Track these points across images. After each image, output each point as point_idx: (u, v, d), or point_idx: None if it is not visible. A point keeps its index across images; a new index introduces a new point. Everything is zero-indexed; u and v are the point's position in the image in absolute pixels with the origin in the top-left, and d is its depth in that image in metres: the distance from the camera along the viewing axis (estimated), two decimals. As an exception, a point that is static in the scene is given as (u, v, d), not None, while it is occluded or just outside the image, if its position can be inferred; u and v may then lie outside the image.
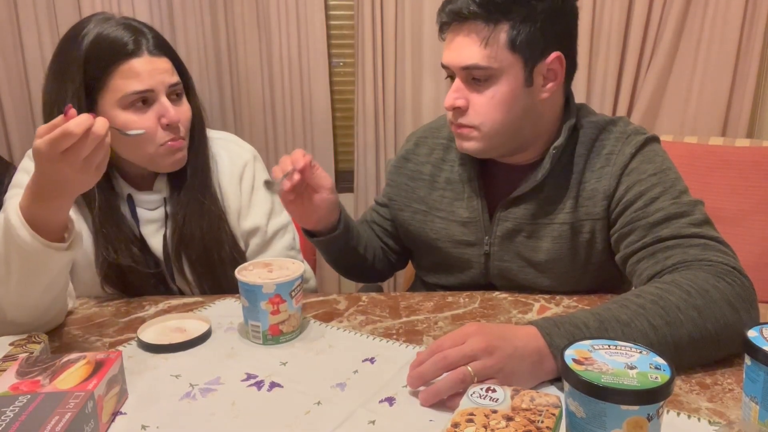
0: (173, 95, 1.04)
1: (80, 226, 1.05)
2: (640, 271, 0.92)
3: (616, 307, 0.80)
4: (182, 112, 1.05)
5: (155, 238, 1.11)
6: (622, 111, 2.46)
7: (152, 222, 1.11)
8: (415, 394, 0.75)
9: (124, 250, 1.06)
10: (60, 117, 0.74)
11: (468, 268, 1.13)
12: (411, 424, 0.70)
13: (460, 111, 0.99)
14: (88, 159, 0.76)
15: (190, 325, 0.94)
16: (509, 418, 0.59)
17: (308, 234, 1.12)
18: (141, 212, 1.10)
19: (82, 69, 0.98)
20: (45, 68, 2.55)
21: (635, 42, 2.38)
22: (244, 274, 0.90)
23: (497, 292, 1.09)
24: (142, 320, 0.97)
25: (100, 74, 0.98)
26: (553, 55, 0.96)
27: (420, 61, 2.51)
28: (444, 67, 1.00)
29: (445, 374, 0.73)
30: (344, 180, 2.72)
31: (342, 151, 2.74)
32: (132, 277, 1.09)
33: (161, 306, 1.05)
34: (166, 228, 1.12)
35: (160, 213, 1.12)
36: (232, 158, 1.18)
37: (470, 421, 0.59)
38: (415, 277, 1.31)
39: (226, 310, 1.03)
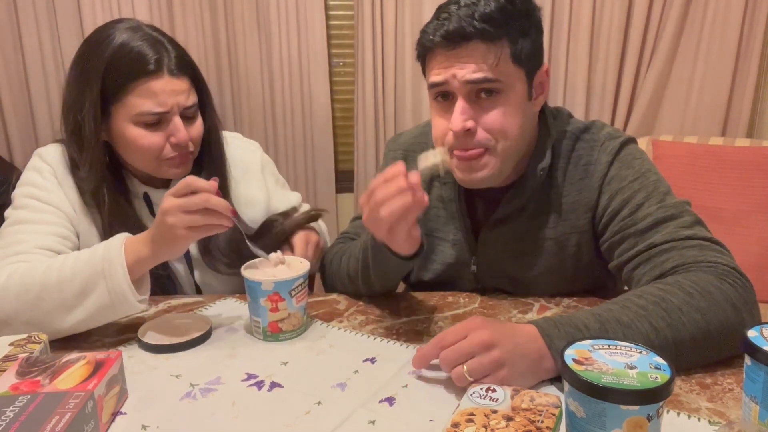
0: (187, 115, 1.04)
1: (89, 228, 1.06)
2: (638, 277, 0.91)
3: (618, 308, 0.79)
4: (193, 130, 1.06)
5: None
6: (622, 111, 2.46)
7: None
8: (415, 394, 0.75)
9: None
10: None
11: (459, 287, 1.11)
12: (411, 424, 0.70)
13: (469, 134, 0.91)
14: (194, 223, 0.85)
15: (190, 325, 0.94)
16: (509, 418, 0.59)
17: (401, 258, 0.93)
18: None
19: (101, 79, 0.98)
20: (45, 68, 2.56)
21: (635, 42, 2.38)
22: (249, 270, 0.91)
23: (497, 293, 1.09)
24: (142, 320, 0.97)
25: (118, 88, 0.99)
26: (543, 67, 0.96)
27: (420, 61, 2.51)
28: (437, 84, 0.92)
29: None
30: (344, 180, 2.73)
31: (342, 151, 2.75)
32: None
33: (161, 306, 1.05)
34: None
35: None
36: (247, 154, 1.23)
37: (470, 421, 0.59)
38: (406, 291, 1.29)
39: (226, 310, 1.03)
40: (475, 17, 0.87)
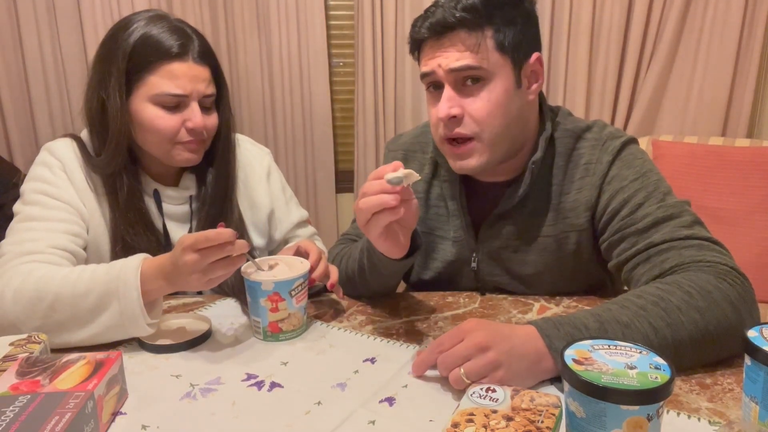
0: (205, 104, 1.06)
1: (99, 224, 1.06)
2: (637, 276, 0.91)
3: (617, 308, 0.80)
4: (209, 120, 1.07)
5: (179, 233, 1.13)
6: (622, 111, 2.46)
7: (177, 217, 1.14)
8: (415, 394, 0.75)
9: (142, 234, 1.08)
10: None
11: (459, 285, 1.11)
12: (411, 424, 0.70)
13: (455, 121, 0.94)
14: (213, 266, 0.82)
15: (190, 325, 0.94)
16: (509, 418, 0.59)
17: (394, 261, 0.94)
18: (166, 207, 1.13)
19: (126, 59, 1.00)
20: (45, 68, 2.56)
21: (635, 42, 2.38)
22: (248, 270, 0.91)
23: (497, 293, 1.09)
24: (142, 320, 0.97)
25: (142, 68, 1.01)
26: (535, 55, 0.97)
27: (420, 61, 2.51)
28: (426, 75, 0.95)
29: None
30: (344, 180, 2.73)
31: (342, 151, 2.75)
32: None
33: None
34: (191, 224, 1.15)
35: (185, 209, 1.14)
36: (255, 158, 1.23)
37: (470, 421, 0.59)
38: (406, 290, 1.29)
39: (226, 310, 1.03)
40: (457, 7, 0.91)
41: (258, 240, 1.20)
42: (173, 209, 1.13)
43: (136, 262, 0.87)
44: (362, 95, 2.52)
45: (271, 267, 0.93)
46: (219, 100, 1.10)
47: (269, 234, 1.23)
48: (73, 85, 2.48)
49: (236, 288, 1.07)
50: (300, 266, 0.93)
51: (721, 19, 2.31)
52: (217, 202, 1.13)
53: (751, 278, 0.85)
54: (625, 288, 0.99)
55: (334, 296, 1.08)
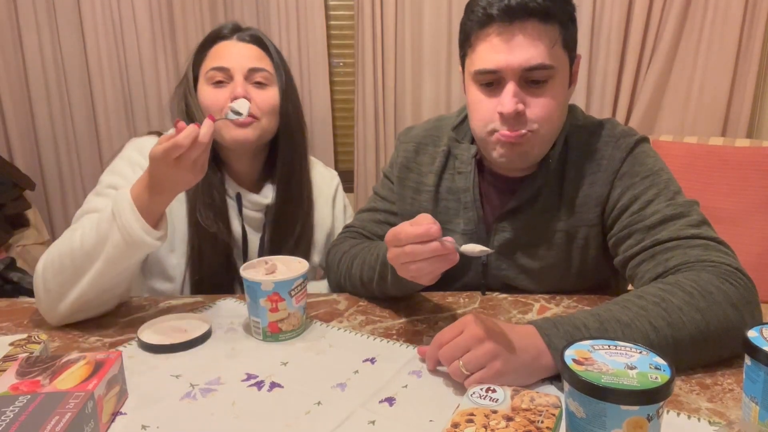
0: (255, 79, 1.11)
1: (171, 214, 1.10)
2: (641, 273, 0.92)
3: (618, 308, 0.80)
4: (262, 95, 1.11)
5: (253, 239, 1.19)
6: (622, 111, 2.47)
7: (253, 222, 1.19)
8: (415, 394, 0.75)
9: (212, 219, 1.12)
10: (172, 130, 0.86)
11: (466, 279, 1.11)
12: (411, 424, 0.70)
13: (518, 116, 0.92)
14: (194, 161, 0.86)
15: (190, 325, 0.94)
16: (509, 418, 0.59)
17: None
18: (246, 211, 1.18)
19: (195, 53, 1.15)
20: (45, 68, 2.57)
21: (635, 42, 2.38)
22: (248, 270, 0.91)
23: (497, 293, 1.09)
24: (142, 320, 0.97)
25: (201, 59, 1.14)
26: (578, 56, 0.98)
27: (420, 61, 2.51)
28: (488, 72, 0.91)
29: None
30: (344, 180, 2.71)
31: (342, 151, 2.75)
32: (209, 256, 1.14)
33: (161, 306, 1.05)
34: (264, 232, 1.20)
35: (260, 216, 1.19)
36: (325, 181, 1.32)
37: (470, 421, 0.59)
38: None
39: (226, 310, 1.03)
40: None
41: (316, 258, 1.26)
42: (250, 214, 1.18)
43: (125, 189, 0.91)
44: (362, 95, 2.52)
45: (267, 268, 0.93)
46: (283, 89, 1.14)
47: (324, 252, 1.27)
48: (73, 85, 2.48)
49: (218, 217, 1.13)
50: (299, 266, 0.93)
51: (721, 19, 2.31)
52: (290, 219, 1.19)
53: (752, 278, 0.85)
54: (629, 288, 0.99)
55: (334, 296, 1.08)
